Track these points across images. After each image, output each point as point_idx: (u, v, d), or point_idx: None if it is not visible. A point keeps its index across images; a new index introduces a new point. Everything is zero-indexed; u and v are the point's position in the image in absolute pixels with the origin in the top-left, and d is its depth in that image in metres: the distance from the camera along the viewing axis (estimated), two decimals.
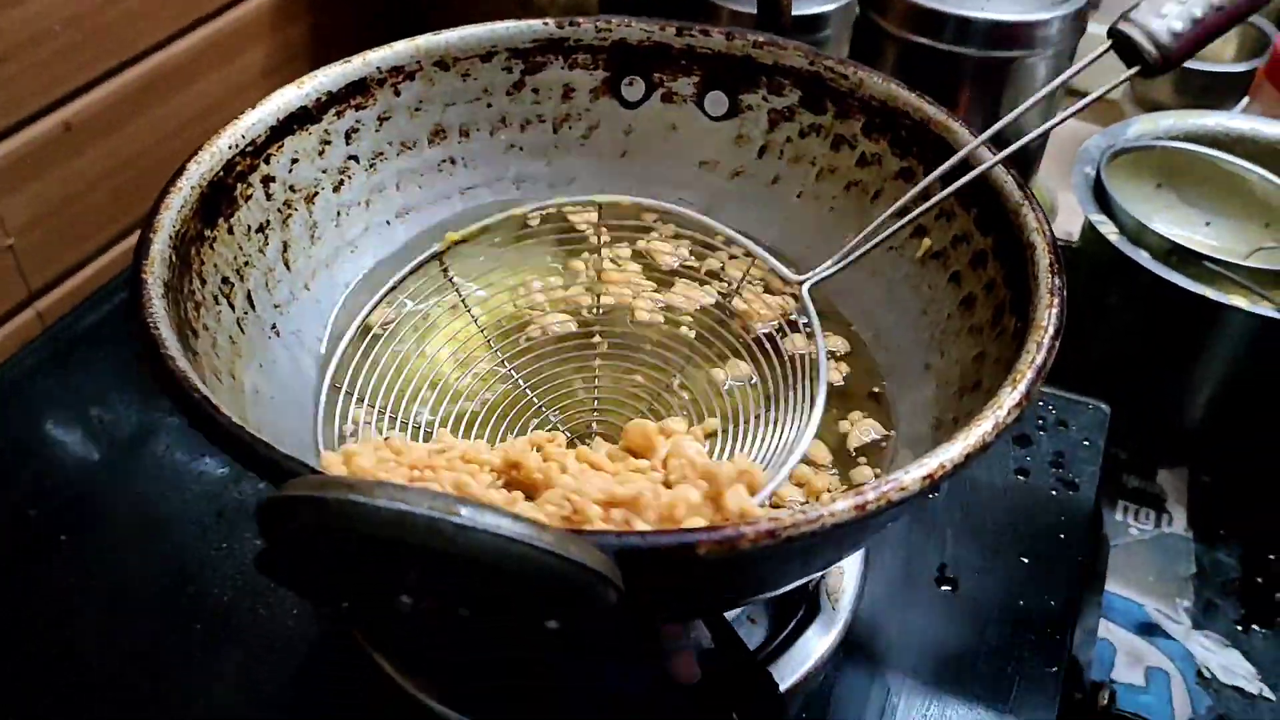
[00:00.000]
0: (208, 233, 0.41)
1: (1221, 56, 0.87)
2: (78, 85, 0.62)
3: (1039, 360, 0.34)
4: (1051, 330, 0.35)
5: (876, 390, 0.45)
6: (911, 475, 0.30)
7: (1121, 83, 0.43)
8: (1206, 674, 0.55)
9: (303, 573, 0.32)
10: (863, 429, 0.43)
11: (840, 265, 0.45)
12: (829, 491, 0.41)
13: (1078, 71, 0.44)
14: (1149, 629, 0.57)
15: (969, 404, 0.39)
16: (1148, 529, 0.63)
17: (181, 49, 0.68)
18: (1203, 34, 0.41)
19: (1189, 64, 0.84)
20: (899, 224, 0.44)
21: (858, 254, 0.45)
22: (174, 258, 0.38)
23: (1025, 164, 0.77)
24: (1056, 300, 0.36)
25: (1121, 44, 0.41)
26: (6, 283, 0.62)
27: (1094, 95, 0.44)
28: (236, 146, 0.43)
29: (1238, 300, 0.60)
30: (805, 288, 0.45)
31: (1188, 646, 0.56)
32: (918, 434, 0.41)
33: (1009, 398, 0.32)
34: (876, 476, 0.41)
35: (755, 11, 0.73)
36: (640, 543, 0.28)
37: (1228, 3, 0.40)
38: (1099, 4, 0.86)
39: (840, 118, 0.48)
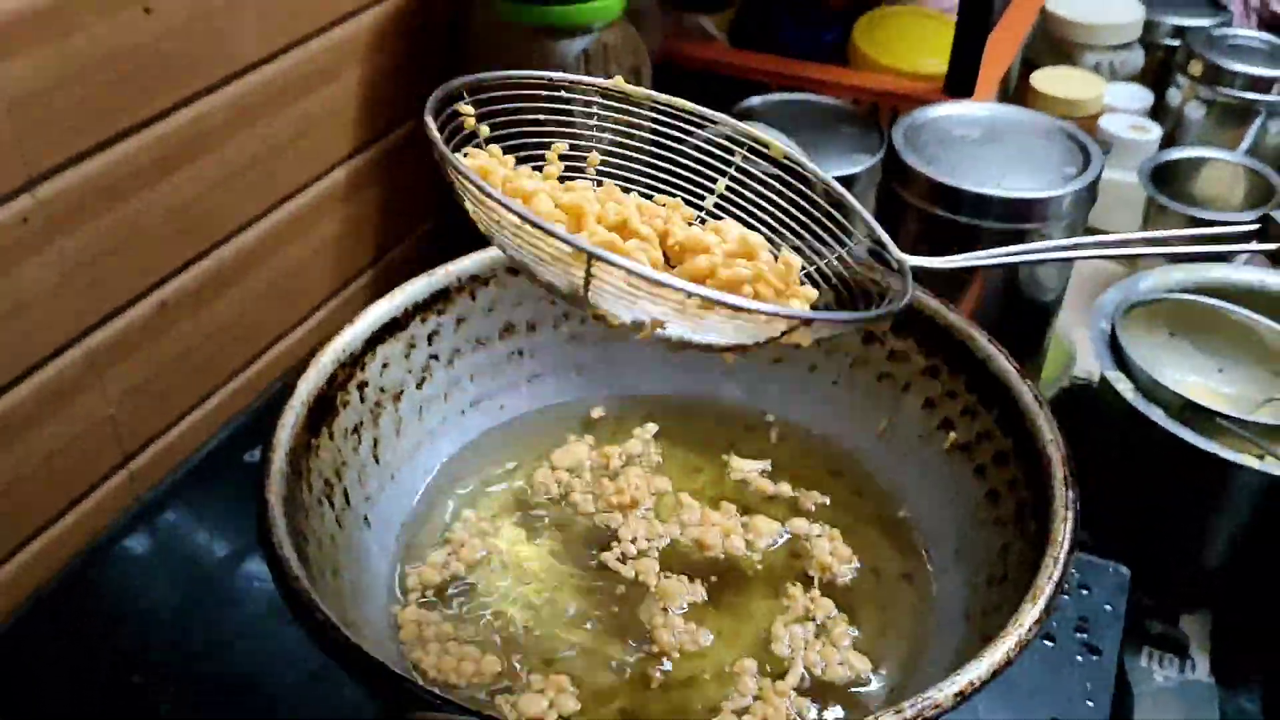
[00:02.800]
0: (313, 441, 0.47)
1: (1230, 204, 0.92)
2: (175, 267, 0.69)
3: (1056, 576, 0.38)
4: (1067, 547, 0.39)
5: (909, 573, 0.49)
6: (944, 693, 0.34)
7: (1254, 251, 0.46)
8: None
9: None
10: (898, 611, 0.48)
11: (948, 265, 0.46)
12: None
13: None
14: None
15: (997, 597, 0.43)
16: (1172, 676, 0.66)
17: (264, 228, 0.75)
18: None
19: (1199, 212, 0.90)
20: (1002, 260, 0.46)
21: (970, 262, 0.47)
22: (289, 472, 0.43)
23: (1046, 311, 0.81)
24: (1070, 515, 0.40)
25: (1268, 227, 0.45)
26: (105, 449, 0.68)
27: (1224, 248, 0.47)
28: (337, 360, 0.49)
29: (1248, 459, 0.64)
30: (909, 263, 0.46)
31: None
32: (951, 621, 0.46)
33: (1030, 615, 0.37)
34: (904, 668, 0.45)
35: None
36: None
37: None
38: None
39: (876, 242, 0.53)
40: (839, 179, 0.81)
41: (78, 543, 0.66)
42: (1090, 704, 0.52)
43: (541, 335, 0.57)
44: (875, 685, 0.45)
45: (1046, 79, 1.03)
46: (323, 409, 0.48)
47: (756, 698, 0.44)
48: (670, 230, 0.43)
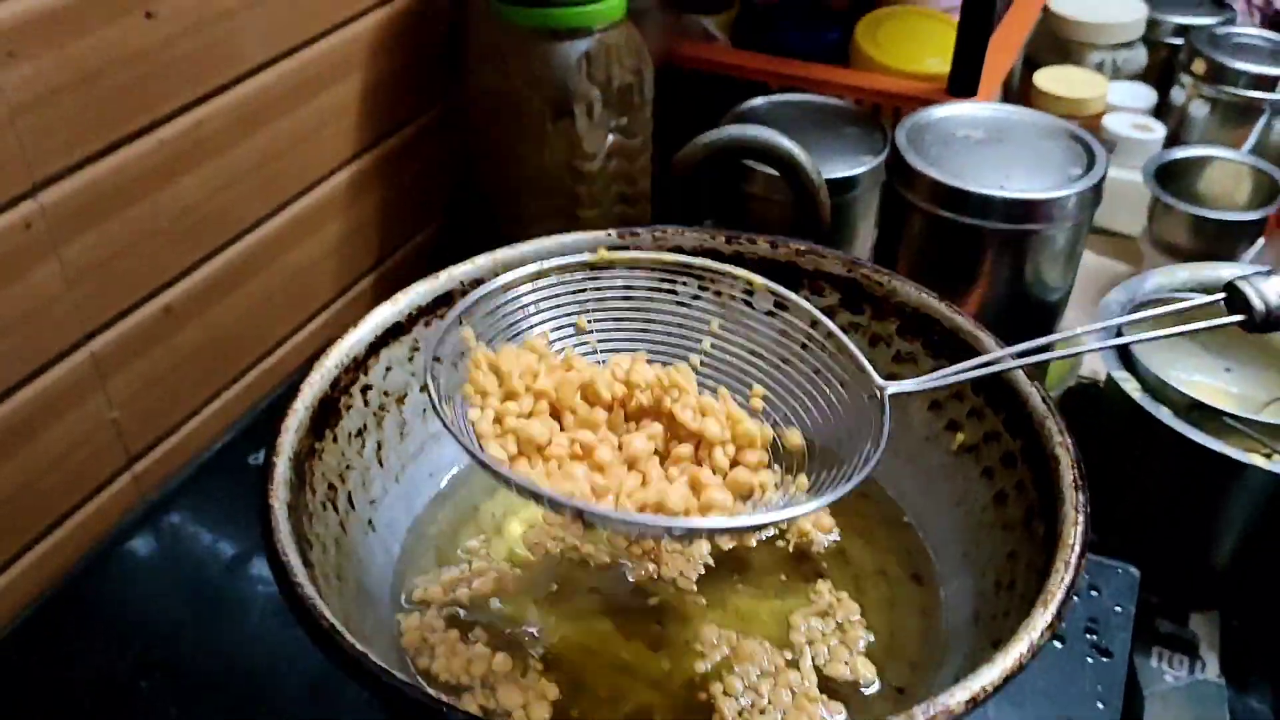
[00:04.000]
0: (317, 445, 0.47)
1: (1235, 203, 0.92)
2: (178, 271, 0.69)
3: (1068, 580, 0.38)
4: (1078, 549, 0.39)
5: (917, 573, 0.49)
6: (956, 699, 0.34)
7: (1218, 326, 0.45)
8: None
9: None
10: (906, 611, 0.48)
11: (923, 387, 0.46)
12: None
13: (1189, 328, 0.47)
14: None
15: (1005, 602, 0.43)
16: (1182, 676, 0.66)
17: (268, 231, 0.75)
18: None
19: (1203, 211, 0.90)
20: (971, 374, 0.46)
21: (943, 381, 0.46)
22: (293, 476, 0.43)
23: (1051, 312, 0.81)
24: (1081, 517, 0.40)
25: (1234, 297, 0.44)
26: (109, 452, 0.68)
27: (1192, 327, 0.47)
28: (341, 364, 0.49)
29: (1256, 459, 0.64)
30: (887, 392, 0.46)
31: None
32: (960, 623, 0.45)
33: (1041, 619, 0.37)
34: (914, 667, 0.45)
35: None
36: None
37: None
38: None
39: (877, 319, 0.53)
40: (842, 180, 0.81)
41: (83, 546, 0.66)
42: (1101, 706, 0.52)
43: None
44: (879, 688, 0.45)
45: (1049, 78, 1.03)
46: (326, 412, 0.47)
47: (762, 676, 0.44)
48: (675, 412, 0.45)
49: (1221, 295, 0.43)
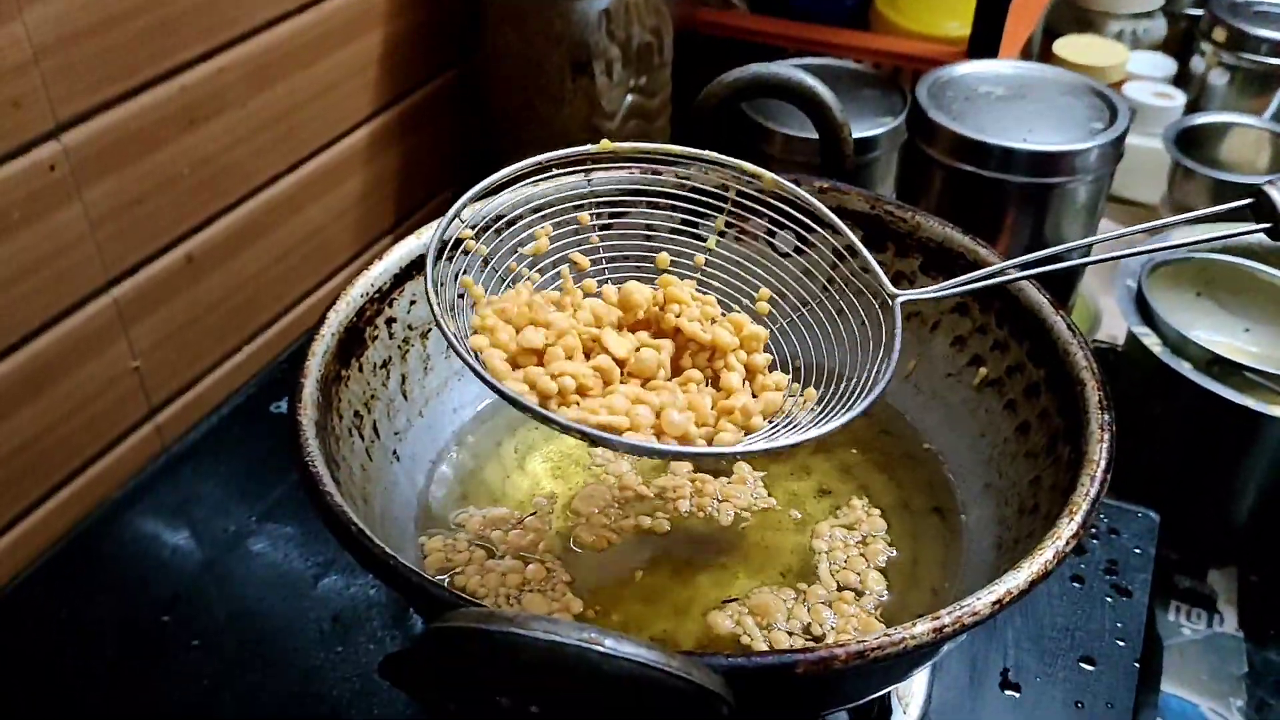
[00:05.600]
0: (344, 372, 0.47)
1: (1256, 170, 0.91)
2: (200, 220, 0.69)
3: (1093, 492, 0.38)
4: (1104, 464, 0.39)
5: (939, 506, 0.49)
6: (983, 601, 0.34)
7: (1244, 234, 0.44)
8: None
9: (425, 683, 0.36)
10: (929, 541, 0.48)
11: (936, 294, 0.46)
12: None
13: (1218, 238, 0.47)
14: None
15: (1028, 525, 0.43)
16: (1200, 629, 0.66)
17: (290, 182, 0.75)
18: None
19: (1224, 175, 0.89)
20: (989, 283, 0.46)
21: (955, 290, 0.46)
22: (320, 398, 0.44)
23: (1069, 274, 0.81)
24: (1107, 435, 0.40)
25: (1260, 203, 0.43)
26: (131, 401, 0.68)
27: (1216, 235, 0.46)
28: (366, 294, 0.49)
29: (1276, 410, 0.64)
30: (899, 300, 0.46)
31: None
32: (981, 549, 0.45)
33: (1067, 528, 0.37)
34: (935, 593, 0.45)
35: (807, 135, 0.80)
36: (748, 664, 0.32)
37: None
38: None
39: (900, 255, 0.53)
40: (861, 141, 0.81)
41: (106, 493, 0.66)
42: (1120, 643, 0.52)
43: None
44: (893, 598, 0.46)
45: (1069, 46, 1.03)
46: (352, 341, 0.48)
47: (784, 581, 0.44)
48: (681, 326, 0.45)
49: (1249, 200, 0.42)
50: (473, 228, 0.47)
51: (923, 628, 0.34)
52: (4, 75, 0.55)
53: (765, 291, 0.49)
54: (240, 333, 0.75)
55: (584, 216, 0.50)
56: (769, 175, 0.49)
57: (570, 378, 0.41)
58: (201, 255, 0.70)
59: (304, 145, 0.76)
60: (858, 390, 0.43)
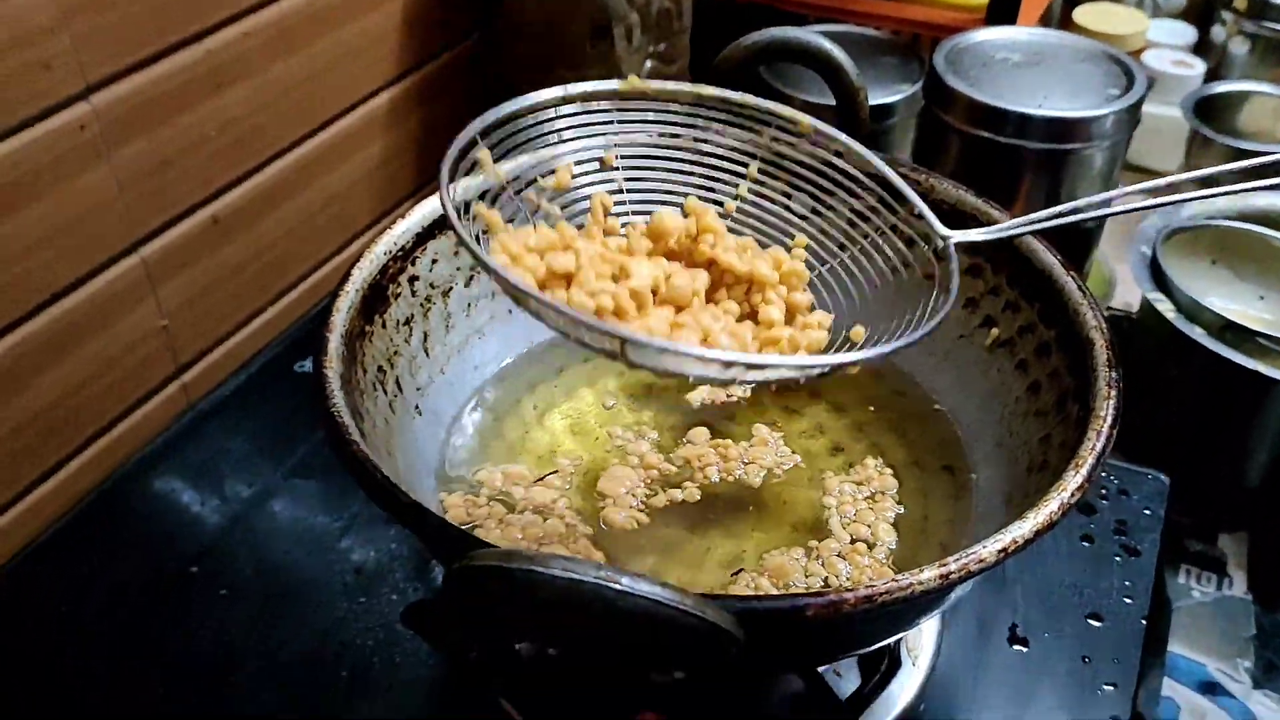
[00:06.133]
0: (367, 328, 0.48)
1: (1275, 139, 0.91)
2: (225, 183, 0.70)
3: (1099, 447, 0.39)
4: (1110, 420, 0.40)
5: (950, 465, 0.50)
6: (989, 549, 0.35)
7: (1267, 188, 0.44)
8: None
9: (447, 629, 0.37)
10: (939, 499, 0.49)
11: (993, 235, 0.46)
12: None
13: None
14: (1211, 688, 0.61)
15: (1037, 482, 0.44)
16: (1209, 592, 0.66)
17: (312, 147, 0.76)
18: None
19: (1241, 143, 0.89)
20: (1055, 222, 0.44)
21: (1013, 232, 0.46)
22: (345, 352, 0.45)
23: (1085, 241, 0.81)
24: (1114, 392, 0.41)
25: None
26: (159, 360, 0.70)
27: (1244, 186, 0.46)
28: (389, 252, 0.50)
29: None
30: (952, 241, 0.46)
31: (1248, 705, 0.59)
32: (991, 507, 0.46)
33: (1073, 480, 0.37)
34: (945, 549, 0.46)
35: (824, 101, 0.80)
36: (759, 606, 0.34)
37: None
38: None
39: (915, 216, 0.54)
40: (878, 108, 0.81)
41: (133, 449, 0.68)
42: (1128, 601, 0.53)
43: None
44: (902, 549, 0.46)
45: (1089, 14, 1.02)
46: (376, 297, 0.49)
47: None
48: (716, 257, 0.43)
49: (1275, 157, 0.43)
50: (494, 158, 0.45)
51: (930, 573, 0.35)
52: (34, 37, 0.56)
53: (801, 239, 0.48)
54: (265, 294, 0.76)
55: (609, 157, 0.47)
56: (806, 120, 0.48)
57: (609, 297, 0.38)
58: (227, 218, 0.71)
59: (326, 110, 0.77)
60: (904, 330, 0.41)
